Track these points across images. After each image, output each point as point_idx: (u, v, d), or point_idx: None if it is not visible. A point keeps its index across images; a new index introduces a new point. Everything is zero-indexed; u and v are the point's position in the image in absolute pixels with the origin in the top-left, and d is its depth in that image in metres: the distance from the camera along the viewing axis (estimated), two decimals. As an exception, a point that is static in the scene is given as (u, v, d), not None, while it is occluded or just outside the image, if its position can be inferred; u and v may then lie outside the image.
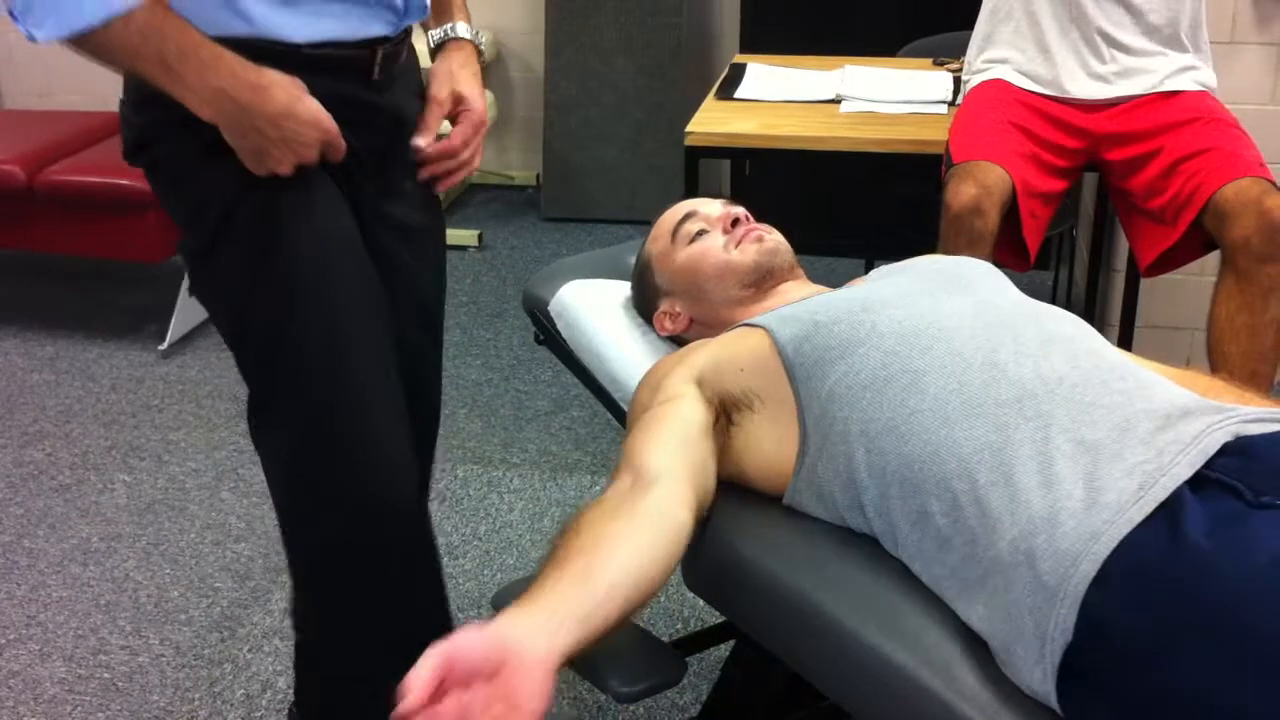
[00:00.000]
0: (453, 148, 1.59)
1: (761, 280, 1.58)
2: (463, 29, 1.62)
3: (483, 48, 1.65)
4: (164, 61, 1.29)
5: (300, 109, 1.37)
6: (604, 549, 1.13)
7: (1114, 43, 2.36)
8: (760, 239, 1.60)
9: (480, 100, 1.61)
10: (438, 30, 1.63)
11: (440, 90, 1.58)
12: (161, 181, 1.49)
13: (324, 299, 1.44)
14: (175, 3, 1.32)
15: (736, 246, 1.60)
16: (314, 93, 1.39)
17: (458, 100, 1.59)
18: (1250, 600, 1.02)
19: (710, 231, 1.62)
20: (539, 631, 1.03)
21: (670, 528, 1.23)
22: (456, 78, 1.59)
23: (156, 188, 1.50)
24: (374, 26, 1.48)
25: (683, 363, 1.47)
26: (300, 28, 1.41)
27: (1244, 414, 1.18)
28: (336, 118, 1.41)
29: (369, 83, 1.50)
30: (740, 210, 1.64)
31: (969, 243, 2.19)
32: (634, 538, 1.19)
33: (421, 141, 1.56)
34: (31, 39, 1.28)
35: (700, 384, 1.42)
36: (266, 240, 1.43)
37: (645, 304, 1.71)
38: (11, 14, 1.27)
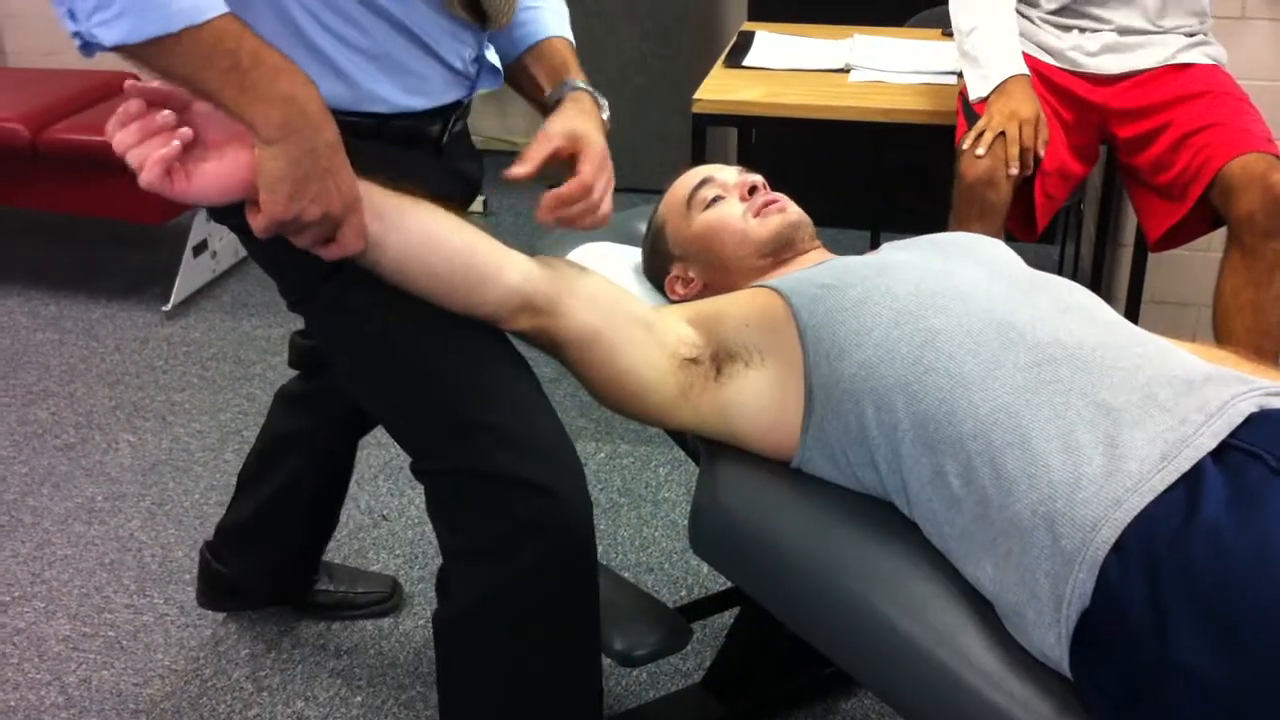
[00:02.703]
0: (585, 183, 1.44)
1: (780, 251, 1.57)
2: (579, 82, 1.54)
3: (605, 108, 1.54)
4: (237, 66, 1.14)
5: (346, 158, 1.23)
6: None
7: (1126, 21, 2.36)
8: (783, 209, 1.60)
9: (601, 140, 1.48)
10: (555, 90, 1.54)
11: (552, 126, 1.46)
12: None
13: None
14: None
15: (756, 216, 1.59)
16: (389, 161, 1.33)
17: (574, 139, 1.46)
18: (1258, 588, 1.01)
19: (726, 198, 1.62)
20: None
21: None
22: (573, 119, 1.48)
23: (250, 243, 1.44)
24: (452, 93, 1.48)
25: (680, 305, 1.51)
26: (398, 95, 1.39)
27: (1267, 387, 1.18)
28: (410, 183, 1.34)
29: (437, 149, 1.49)
30: (757, 178, 1.63)
31: (980, 214, 2.19)
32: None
33: (519, 170, 1.41)
34: (90, 44, 1.14)
35: (694, 324, 1.43)
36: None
37: (656, 269, 1.70)
38: (71, 15, 1.12)
